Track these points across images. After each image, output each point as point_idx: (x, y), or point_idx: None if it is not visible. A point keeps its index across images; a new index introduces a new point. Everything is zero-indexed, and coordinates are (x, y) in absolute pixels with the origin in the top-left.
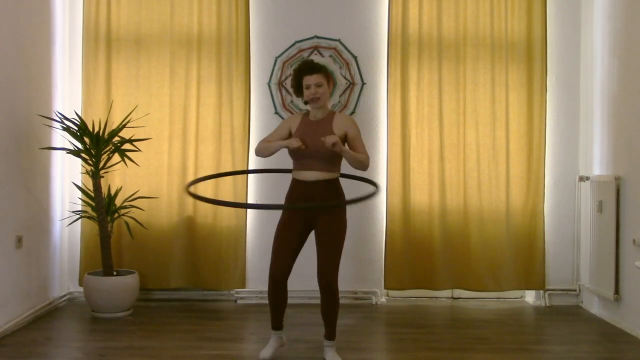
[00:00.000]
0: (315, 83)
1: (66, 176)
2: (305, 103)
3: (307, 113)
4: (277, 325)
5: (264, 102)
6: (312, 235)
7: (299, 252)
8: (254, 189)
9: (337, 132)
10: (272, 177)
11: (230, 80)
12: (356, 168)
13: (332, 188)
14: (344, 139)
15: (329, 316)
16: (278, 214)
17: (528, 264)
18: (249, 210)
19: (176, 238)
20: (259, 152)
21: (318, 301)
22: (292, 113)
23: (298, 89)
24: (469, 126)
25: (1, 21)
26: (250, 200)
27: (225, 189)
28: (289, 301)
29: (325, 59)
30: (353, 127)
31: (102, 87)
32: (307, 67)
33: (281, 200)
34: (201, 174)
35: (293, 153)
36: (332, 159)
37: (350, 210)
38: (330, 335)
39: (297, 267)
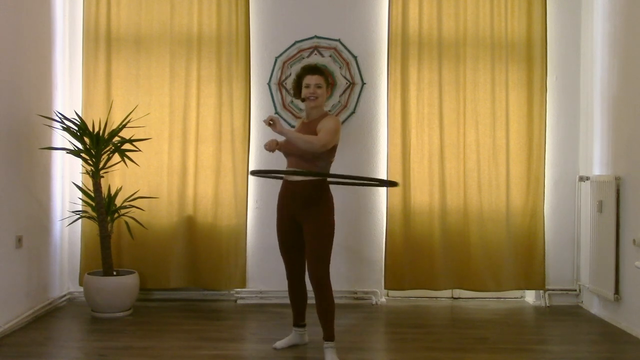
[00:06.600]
0: (316, 83)
1: (66, 176)
2: (303, 100)
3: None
4: (296, 321)
5: (264, 102)
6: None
7: (302, 246)
8: (254, 189)
9: (318, 128)
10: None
11: (230, 80)
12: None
13: (318, 187)
14: None
15: (324, 316)
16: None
17: (528, 264)
18: (249, 209)
19: (176, 238)
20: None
21: None
22: (292, 113)
23: (297, 87)
24: (469, 126)
25: (1, 21)
26: (251, 201)
27: (226, 188)
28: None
29: (325, 59)
30: (326, 122)
31: (102, 87)
32: (310, 67)
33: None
34: (201, 174)
35: (283, 152)
36: (314, 158)
37: (350, 210)
38: (328, 336)
39: None
